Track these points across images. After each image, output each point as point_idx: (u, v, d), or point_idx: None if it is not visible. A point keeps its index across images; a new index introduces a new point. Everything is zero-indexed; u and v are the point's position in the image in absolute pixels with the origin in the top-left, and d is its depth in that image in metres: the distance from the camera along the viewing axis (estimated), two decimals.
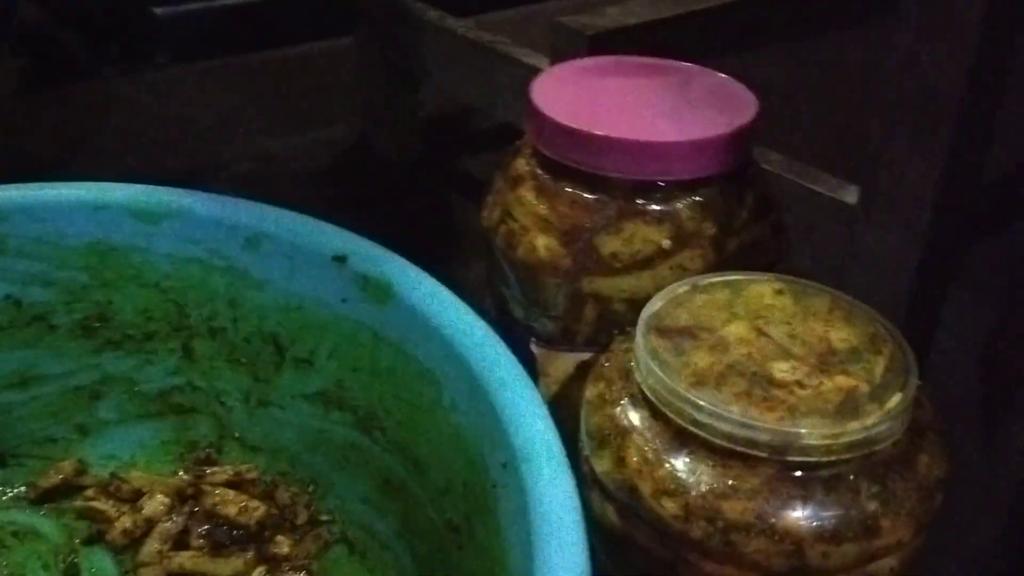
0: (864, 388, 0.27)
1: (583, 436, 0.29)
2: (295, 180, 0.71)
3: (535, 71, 0.54)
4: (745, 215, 0.33)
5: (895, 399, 0.26)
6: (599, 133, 0.32)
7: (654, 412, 0.27)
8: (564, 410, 0.32)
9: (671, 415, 0.26)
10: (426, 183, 0.71)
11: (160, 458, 0.43)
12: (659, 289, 0.31)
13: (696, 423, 0.26)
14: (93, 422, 0.43)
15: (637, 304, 0.32)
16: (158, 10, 0.85)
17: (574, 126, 0.32)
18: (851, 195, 0.44)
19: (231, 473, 0.42)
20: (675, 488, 0.26)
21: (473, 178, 0.72)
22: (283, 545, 0.40)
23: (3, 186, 0.41)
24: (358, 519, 0.40)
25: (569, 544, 0.26)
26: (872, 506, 0.25)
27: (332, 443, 0.41)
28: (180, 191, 0.41)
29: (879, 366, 0.27)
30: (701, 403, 0.26)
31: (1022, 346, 0.39)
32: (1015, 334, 0.39)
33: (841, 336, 0.28)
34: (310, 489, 0.42)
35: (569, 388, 0.34)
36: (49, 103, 0.80)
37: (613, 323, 0.32)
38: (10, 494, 0.42)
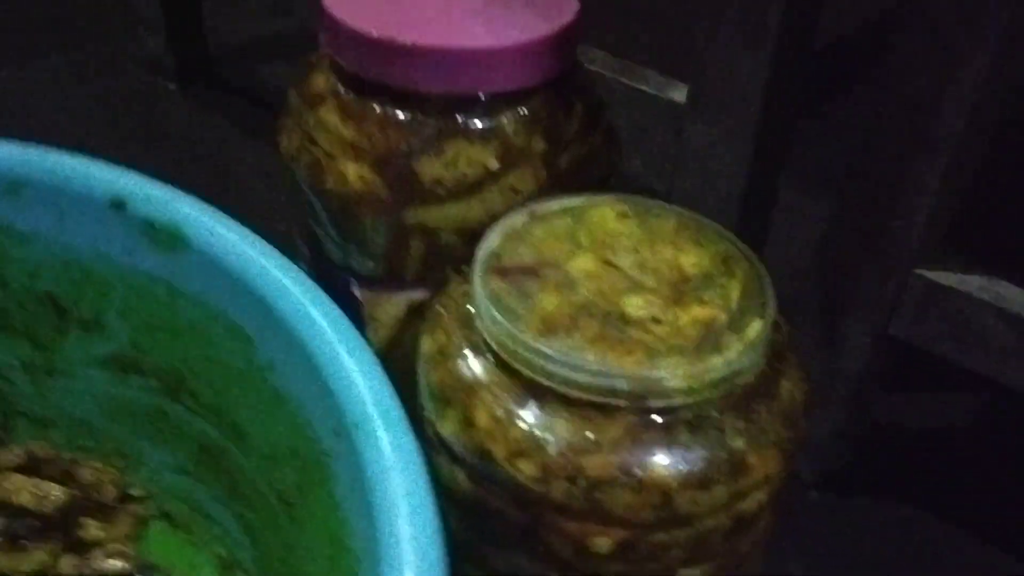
0: (722, 317, 0.25)
1: (423, 395, 0.26)
2: (52, 110, 0.62)
3: None
4: (576, 125, 0.30)
5: (755, 327, 0.24)
6: (407, 42, 0.27)
7: (501, 364, 0.24)
8: (398, 359, 0.28)
9: (520, 367, 0.23)
10: (212, 100, 0.64)
11: None
12: (490, 215, 0.28)
13: (548, 375, 0.23)
14: None
15: (467, 234, 0.29)
16: None
17: (378, 35, 0.28)
18: (679, 93, 0.41)
19: (21, 455, 0.37)
20: (530, 448, 0.23)
21: (267, 91, 0.66)
22: (91, 528, 0.35)
23: None
24: (176, 491, 0.36)
25: (418, 515, 0.24)
26: (739, 443, 0.24)
27: (135, 411, 0.36)
28: None
29: (734, 291, 0.25)
30: (552, 353, 0.23)
31: (854, 239, 0.38)
32: (848, 226, 0.39)
33: (692, 261, 0.26)
34: (117, 463, 0.37)
35: (401, 332, 0.31)
36: None
37: (444, 257, 0.29)
38: None
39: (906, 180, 0.34)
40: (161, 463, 0.36)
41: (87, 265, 0.34)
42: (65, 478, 0.36)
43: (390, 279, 0.30)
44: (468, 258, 0.27)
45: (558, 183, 0.29)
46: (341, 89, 0.29)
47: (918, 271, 0.36)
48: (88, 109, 0.63)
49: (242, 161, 0.59)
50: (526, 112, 0.29)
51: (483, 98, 0.28)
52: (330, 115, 0.29)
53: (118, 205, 0.33)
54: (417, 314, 0.30)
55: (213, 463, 0.35)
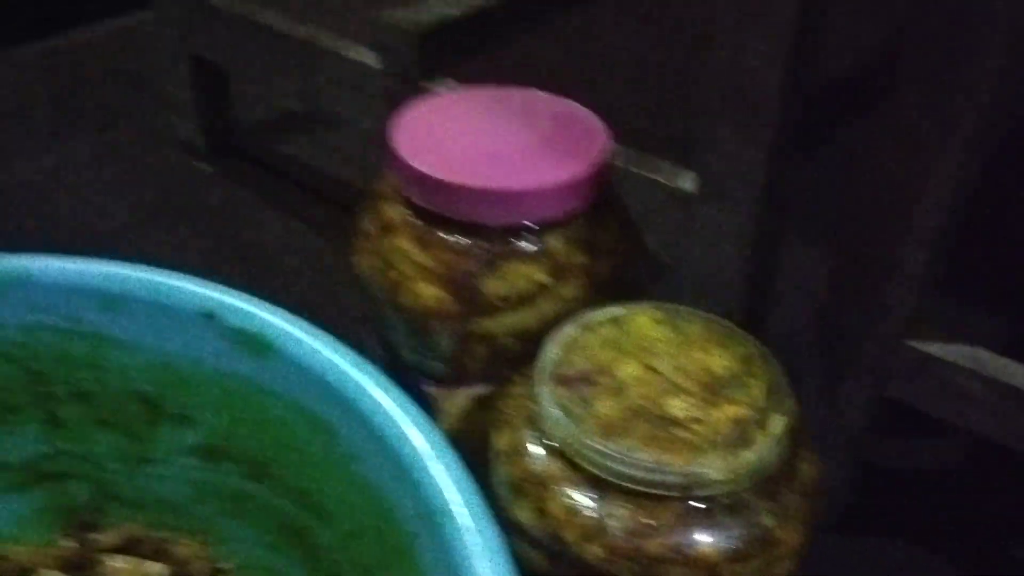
0: (750, 415, 0.29)
1: (499, 486, 0.30)
2: (102, 190, 0.67)
3: (361, 67, 0.53)
4: (611, 239, 0.35)
5: (779, 423, 0.29)
6: (470, 185, 0.32)
7: (566, 461, 0.28)
8: (465, 444, 0.33)
9: (584, 464, 0.28)
10: (240, 175, 0.69)
11: (37, 529, 0.41)
12: (543, 322, 0.33)
13: (610, 471, 0.28)
14: None
15: (524, 337, 0.34)
16: None
17: (444, 179, 0.33)
18: (688, 182, 0.46)
19: (119, 537, 0.41)
20: (597, 532, 0.28)
21: (291, 166, 0.70)
22: None
23: None
24: (260, 564, 0.40)
25: None
26: (769, 521, 0.28)
27: (221, 493, 0.40)
28: (24, 257, 0.39)
29: (758, 390, 0.30)
30: (613, 453, 0.28)
31: (854, 301, 0.43)
32: (846, 289, 0.44)
33: (720, 363, 0.31)
34: (204, 539, 0.41)
35: (466, 422, 0.35)
36: None
37: (502, 357, 0.34)
38: None
39: (894, 267, 0.40)
40: (245, 539, 0.40)
41: (180, 368, 0.39)
42: (160, 556, 0.41)
43: (456, 377, 0.35)
44: (524, 358, 0.32)
45: (601, 289, 0.34)
46: (414, 220, 0.34)
47: (909, 343, 0.41)
48: (122, 187, 0.67)
49: (270, 231, 0.63)
50: (570, 233, 0.34)
51: (534, 226, 0.33)
52: (405, 243, 0.34)
53: (209, 316, 0.37)
54: (480, 406, 0.35)
55: (295, 538, 0.39)
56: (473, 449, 0.32)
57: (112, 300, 0.38)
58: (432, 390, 0.35)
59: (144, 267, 0.39)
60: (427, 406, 0.33)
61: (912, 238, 0.39)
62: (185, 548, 0.41)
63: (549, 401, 0.29)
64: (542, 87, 0.38)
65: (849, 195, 0.43)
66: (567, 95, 0.38)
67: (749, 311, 0.47)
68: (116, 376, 0.39)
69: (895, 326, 0.41)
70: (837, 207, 0.45)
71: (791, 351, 0.37)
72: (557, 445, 0.28)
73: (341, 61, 0.54)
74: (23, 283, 0.38)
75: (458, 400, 0.35)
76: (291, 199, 0.67)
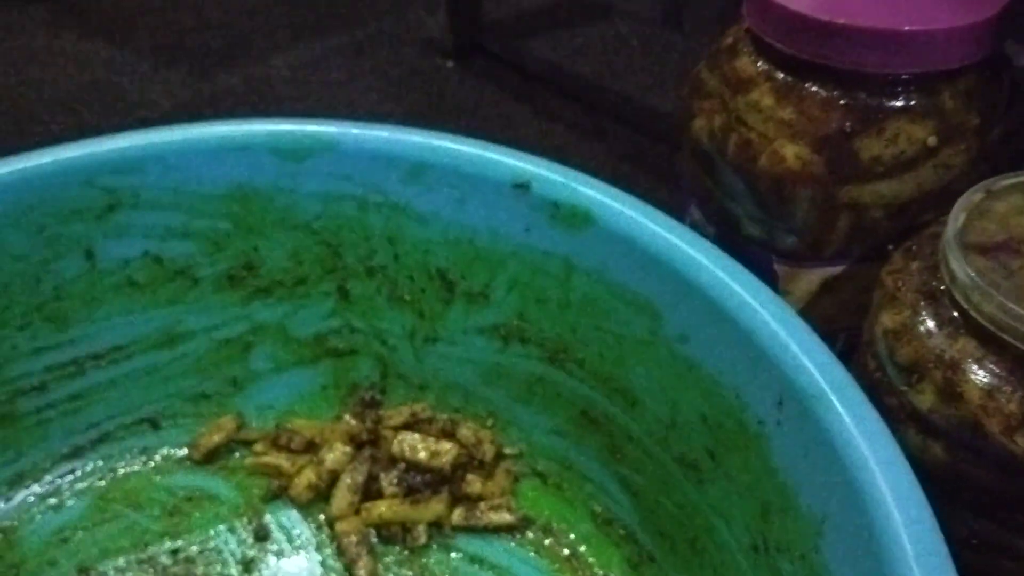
0: None
1: (888, 368, 0.27)
2: (351, 84, 0.66)
3: None
4: (1003, 101, 0.31)
5: None
6: (858, 24, 0.29)
7: (986, 339, 0.25)
8: None
9: (1014, 341, 0.24)
10: (484, 73, 0.67)
11: (321, 404, 0.41)
12: (919, 191, 0.29)
13: None
14: (246, 374, 0.41)
15: (893, 210, 0.30)
16: None
17: (825, 18, 0.29)
18: None
19: (406, 414, 0.40)
20: None
21: (535, 64, 0.68)
22: (474, 484, 0.38)
23: (131, 134, 0.37)
24: (549, 451, 0.39)
25: (894, 472, 0.25)
26: None
27: (513, 377, 0.39)
28: (327, 124, 0.38)
29: None
30: None
31: None
32: None
33: None
34: (489, 424, 0.40)
35: (813, 306, 0.32)
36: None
37: (866, 232, 0.30)
38: (172, 457, 0.40)
39: None
40: (534, 425, 0.39)
41: (481, 243, 0.37)
42: (447, 436, 0.39)
43: (810, 254, 0.32)
44: (889, 234, 0.28)
45: (987, 158, 0.30)
46: (776, 72, 0.31)
47: None
48: (370, 83, 0.67)
49: (519, 128, 0.62)
50: (964, 88, 0.30)
51: (922, 76, 0.29)
52: (764, 97, 0.31)
53: (522, 187, 0.35)
54: (827, 289, 0.32)
55: (593, 427, 0.37)
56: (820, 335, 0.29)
57: (416, 169, 0.37)
58: (779, 267, 0.32)
59: (451, 136, 0.37)
60: (769, 285, 0.30)
61: None
62: (472, 431, 0.39)
63: (968, 273, 0.25)
64: None
65: None
66: None
67: None
68: (411, 250, 0.38)
69: None
70: None
71: None
72: (979, 320, 0.25)
73: None
74: (328, 149, 0.37)
75: (806, 281, 0.32)
76: (539, 98, 0.64)
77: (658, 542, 0.35)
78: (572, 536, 0.37)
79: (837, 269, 0.31)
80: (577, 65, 0.67)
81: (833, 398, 0.27)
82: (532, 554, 0.37)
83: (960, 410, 0.25)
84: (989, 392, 0.24)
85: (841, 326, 0.32)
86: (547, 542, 0.37)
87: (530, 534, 0.38)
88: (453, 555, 0.37)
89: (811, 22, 0.29)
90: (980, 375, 0.25)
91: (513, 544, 0.37)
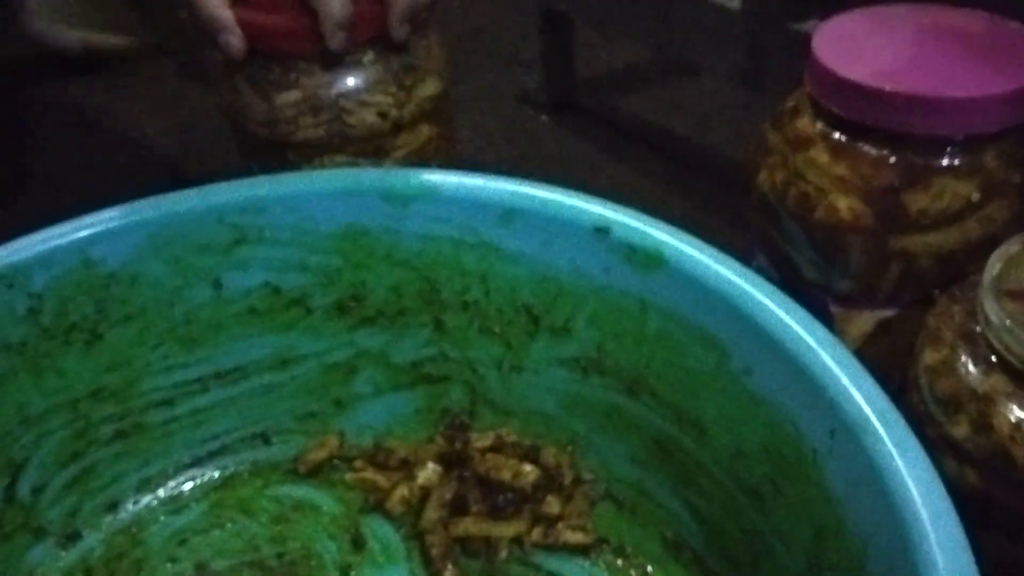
0: None
1: (928, 401, 0.29)
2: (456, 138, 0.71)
3: (721, 9, 0.53)
4: None
5: None
6: (906, 92, 0.31)
7: (1016, 377, 0.27)
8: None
9: None
10: (578, 128, 0.71)
11: (415, 426, 0.45)
12: (965, 242, 0.32)
13: None
14: (349, 396, 0.45)
15: (941, 259, 0.32)
16: None
17: (876, 85, 0.32)
18: None
19: (492, 438, 0.43)
20: None
21: (625, 120, 0.71)
22: (553, 505, 0.41)
23: (257, 178, 0.42)
24: (624, 477, 0.42)
25: (938, 506, 0.27)
26: None
27: (592, 406, 0.42)
28: (429, 172, 0.42)
29: None
30: None
31: None
32: None
33: None
34: (568, 450, 0.43)
35: (868, 347, 0.35)
36: None
37: (916, 279, 0.33)
38: (281, 469, 0.44)
39: None
40: (611, 452, 0.42)
41: (564, 282, 0.40)
42: (529, 460, 0.43)
43: (864, 298, 0.34)
44: (938, 280, 0.31)
45: None
46: (831, 132, 0.34)
47: None
48: (469, 135, 0.71)
49: (602, 179, 0.65)
50: (1006, 149, 0.32)
51: (967, 138, 0.32)
52: (821, 155, 0.34)
53: (603, 231, 0.39)
54: (882, 330, 0.34)
55: (666, 455, 0.40)
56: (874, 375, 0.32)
57: (508, 214, 0.41)
58: (837, 309, 0.35)
59: (540, 184, 0.41)
60: (827, 326, 0.33)
61: None
62: (550, 455, 0.42)
63: (1001, 316, 0.27)
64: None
65: None
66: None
67: None
68: (502, 287, 0.42)
69: None
70: None
71: None
72: (1007, 359, 0.27)
73: (699, 4, 0.54)
74: (429, 196, 0.41)
75: (861, 323, 0.35)
76: (625, 150, 0.68)
77: (723, 565, 0.38)
78: (643, 558, 0.40)
79: (890, 312, 0.34)
80: (662, 119, 0.70)
81: (879, 428, 0.29)
82: (605, 573, 0.40)
83: (991, 440, 0.27)
84: (1018, 424, 0.27)
85: (896, 365, 0.34)
86: (619, 562, 0.40)
87: (604, 555, 0.40)
88: (531, 571, 0.40)
89: (864, 89, 0.32)
90: (1010, 409, 0.27)
91: (588, 563, 0.40)
